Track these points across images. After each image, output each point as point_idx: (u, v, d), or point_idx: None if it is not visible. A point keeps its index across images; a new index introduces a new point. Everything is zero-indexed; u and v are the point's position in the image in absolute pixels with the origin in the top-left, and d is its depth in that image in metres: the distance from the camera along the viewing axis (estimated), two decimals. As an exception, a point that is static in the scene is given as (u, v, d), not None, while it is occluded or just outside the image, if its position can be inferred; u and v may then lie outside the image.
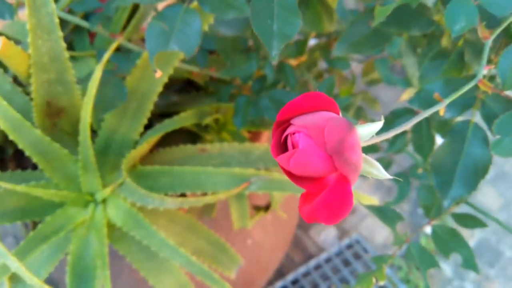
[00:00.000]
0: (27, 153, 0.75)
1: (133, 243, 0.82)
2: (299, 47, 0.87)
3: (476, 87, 0.48)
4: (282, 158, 0.32)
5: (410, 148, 0.81)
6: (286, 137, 0.34)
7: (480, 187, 1.72)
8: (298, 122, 0.33)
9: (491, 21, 0.44)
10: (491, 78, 0.52)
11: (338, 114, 0.34)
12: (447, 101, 0.36)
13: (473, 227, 0.61)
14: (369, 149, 0.80)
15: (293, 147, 0.33)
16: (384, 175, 0.34)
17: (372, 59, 1.03)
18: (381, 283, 0.56)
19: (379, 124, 0.33)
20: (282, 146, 0.34)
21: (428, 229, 1.58)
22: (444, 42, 0.63)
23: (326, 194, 0.31)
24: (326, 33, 0.93)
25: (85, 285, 0.77)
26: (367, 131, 0.34)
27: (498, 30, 0.41)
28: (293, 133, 0.33)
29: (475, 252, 1.56)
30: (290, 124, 0.34)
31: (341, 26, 0.88)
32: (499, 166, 1.80)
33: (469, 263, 0.59)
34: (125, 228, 0.78)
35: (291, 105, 0.33)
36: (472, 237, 1.61)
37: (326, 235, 1.63)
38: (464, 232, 1.56)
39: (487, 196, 1.71)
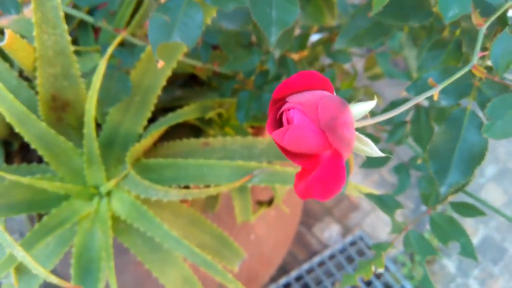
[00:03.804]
0: (33, 146, 0.76)
1: (137, 235, 0.83)
2: (301, 41, 0.88)
3: (472, 75, 0.49)
4: (277, 133, 0.33)
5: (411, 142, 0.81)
6: (281, 115, 0.35)
7: (483, 184, 1.73)
8: (293, 99, 0.34)
9: (486, 9, 0.45)
10: (490, 68, 0.52)
11: (332, 93, 0.35)
12: (441, 86, 0.37)
13: (471, 216, 0.62)
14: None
15: (288, 123, 0.34)
16: (376, 152, 0.35)
17: (373, 53, 1.03)
18: (380, 270, 0.57)
19: (371, 103, 0.34)
20: (277, 123, 0.35)
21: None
22: (445, 34, 0.64)
23: (320, 169, 0.32)
24: (328, 27, 0.94)
25: (90, 277, 0.78)
26: (360, 110, 0.35)
27: (493, 18, 0.42)
28: (288, 110, 0.34)
29: (479, 249, 1.57)
30: (285, 102, 0.34)
31: (342, 20, 0.88)
32: (502, 162, 1.80)
33: (467, 251, 0.60)
34: (129, 220, 0.79)
35: (286, 83, 0.34)
36: (476, 234, 1.61)
37: (329, 232, 1.64)
38: (468, 229, 1.55)
39: (491, 192, 1.71)
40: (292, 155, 0.34)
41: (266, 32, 0.45)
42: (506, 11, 0.44)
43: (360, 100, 1.03)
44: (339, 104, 0.32)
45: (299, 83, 0.34)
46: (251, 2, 0.45)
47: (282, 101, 0.35)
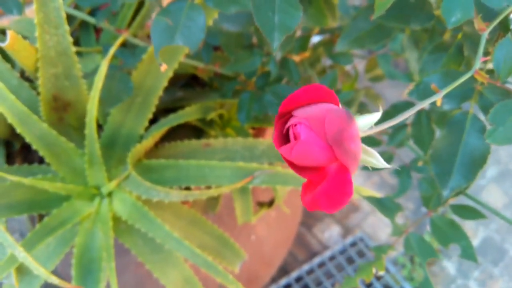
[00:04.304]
0: (34, 146, 0.76)
1: (138, 236, 0.83)
2: (302, 42, 0.88)
3: (474, 80, 0.49)
4: (284, 149, 0.34)
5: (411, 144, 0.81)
6: (288, 129, 0.35)
7: (484, 185, 1.72)
8: (299, 113, 0.34)
9: (488, 14, 0.45)
10: (492, 71, 0.52)
11: (338, 106, 0.35)
12: (444, 91, 0.37)
13: (472, 219, 0.62)
14: (371, 143, 0.80)
15: (295, 138, 0.34)
16: (382, 164, 0.35)
17: (375, 55, 1.04)
18: (381, 273, 0.57)
19: (377, 115, 0.35)
20: (284, 137, 0.36)
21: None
22: (447, 37, 0.64)
23: (326, 183, 0.32)
24: (330, 29, 0.94)
25: (91, 277, 0.78)
26: (366, 122, 0.35)
27: (495, 23, 0.42)
28: (295, 125, 0.34)
29: (479, 250, 1.57)
30: (291, 116, 0.35)
31: (344, 22, 0.88)
32: (503, 164, 1.80)
33: (468, 254, 0.60)
34: (130, 221, 0.79)
35: (292, 97, 0.34)
36: (476, 235, 1.61)
37: (330, 233, 1.64)
38: (468, 231, 1.55)
39: (491, 194, 1.71)
40: (299, 169, 0.34)
41: (269, 38, 0.45)
42: (508, 16, 0.44)
43: (361, 102, 1.04)
44: (345, 117, 0.32)
45: (305, 96, 0.34)
46: (253, 6, 0.45)
47: (288, 115, 0.35)
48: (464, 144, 0.48)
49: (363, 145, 0.35)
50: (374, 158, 0.35)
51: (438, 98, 0.38)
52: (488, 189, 1.73)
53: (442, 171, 0.49)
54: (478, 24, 0.43)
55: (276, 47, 0.46)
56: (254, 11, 0.46)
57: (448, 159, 0.48)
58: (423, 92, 0.48)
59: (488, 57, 0.43)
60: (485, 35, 0.42)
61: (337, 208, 0.32)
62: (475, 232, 1.62)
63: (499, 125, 0.41)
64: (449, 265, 1.54)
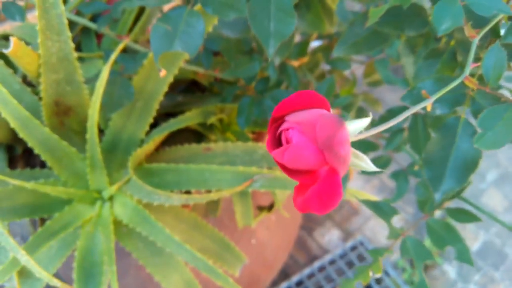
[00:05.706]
0: (36, 151, 0.77)
1: (139, 239, 0.84)
2: (301, 48, 0.89)
3: (466, 85, 0.50)
4: (276, 152, 0.35)
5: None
6: (280, 133, 0.36)
7: (484, 189, 1.73)
8: (292, 118, 0.35)
9: (479, 21, 0.46)
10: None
11: (329, 111, 0.36)
12: (434, 97, 0.38)
13: (467, 222, 0.62)
14: (368, 147, 0.81)
15: (287, 142, 0.35)
16: (371, 167, 0.36)
17: (373, 60, 1.04)
18: (378, 275, 0.58)
19: (366, 121, 0.36)
20: (277, 141, 0.37)
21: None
22: (443, 43, 0.65)
23: (317, 185, 0.34)
24: (328, 34, 0.95)
25: (92, 281, 0.79)
26: (356, 127, 0.36)
27: (485, 30, 0.43)
28: (287, 129, 0.35)
29: (480, 254, 1.57)
30: (284, 121, 0.36)
31: (342, 28, 0.89)
32: (503, 167, 1.80)
33: (463, 257, 0.61)
34: (131, 224, 0.80)
35: (285, 102, 0.35)
36: (476, 239, 1.61)
37: (330, 237, 1.64)
38: (469, 235, 1.55)
39: (491, 198, 1.72)
40: (290, 172, 0.36)
41: (265, 44, 0.46)
42: (498, 22, 0.45)
43: (360, 107, 1.04)
44: (336, 122, 0.33)
45: (297, 102, 0.35)
46: (250, 15, 0.46)
47: (281, 119, 0.36)
48: (456, 148, 0.49)
49: (353, 149, 0.36)
50: (363, 161, 0.37)
51: (428, 104, 0.39)
52: (488, 192, 1.73)
53: (434, 175, 0.50)
54: (468, 31, 0.44)
55: (271, 54, 0.47)
56: (251, 19, 0.47)
57: (440, 162, 0.49)
58: (417, 97, 0.49)
59: (479, 63, 0.44)
60: (475, 41, 0.43)
61: (327, 210, 0.33)
62: (476, 235, 1.62)
63: (487, 130, 0.42)
64: (450, 269, 1.55)
